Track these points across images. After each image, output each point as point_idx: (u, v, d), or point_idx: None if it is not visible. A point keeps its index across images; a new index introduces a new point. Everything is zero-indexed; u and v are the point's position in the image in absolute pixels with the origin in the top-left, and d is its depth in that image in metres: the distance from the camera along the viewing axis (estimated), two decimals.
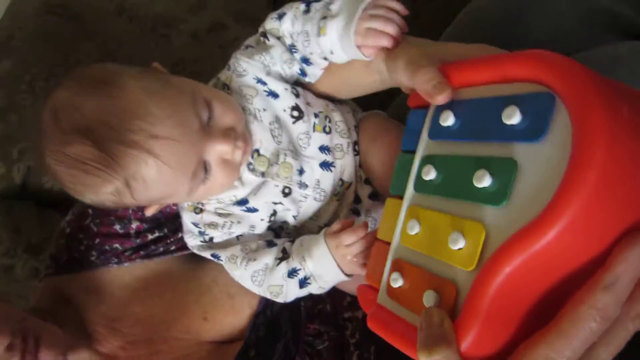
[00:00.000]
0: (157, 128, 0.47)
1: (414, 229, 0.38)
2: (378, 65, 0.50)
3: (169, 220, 0.65)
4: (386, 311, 0.39)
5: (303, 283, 0.56)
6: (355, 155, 0.61)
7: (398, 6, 0.49)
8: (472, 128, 0.36)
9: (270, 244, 0.59)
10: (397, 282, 0.38)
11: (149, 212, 0.58)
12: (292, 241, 0.59)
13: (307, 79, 0.60)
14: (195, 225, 0.60)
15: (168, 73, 0.55)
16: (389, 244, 0.42)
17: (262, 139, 0.57)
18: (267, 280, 0.57)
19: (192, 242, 0.61)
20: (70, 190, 0.51)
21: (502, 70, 0.34)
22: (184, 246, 0.64)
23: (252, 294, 0.61)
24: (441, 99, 0.39)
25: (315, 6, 0.54)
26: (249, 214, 0.59)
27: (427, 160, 0.40)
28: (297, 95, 0.59)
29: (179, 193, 0.53)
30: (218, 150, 0.52)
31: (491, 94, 0.35)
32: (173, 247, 0.66)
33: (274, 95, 0.58)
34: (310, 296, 0.59)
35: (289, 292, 0.57)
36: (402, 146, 0.44)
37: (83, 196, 0.51)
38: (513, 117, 0.32)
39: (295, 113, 0.58)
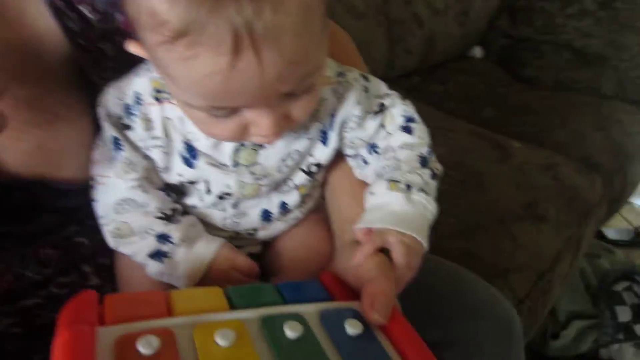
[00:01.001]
0: (276, 50, 0.34)
1: (223, 341, 0.32)
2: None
3: (127, 60, 0.45)
4: (91, 345, 0.30)
5: (156, 255, 0.47)
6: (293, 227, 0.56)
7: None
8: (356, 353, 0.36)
9: (165, 191, 0.50)
10: (147, 349, 0.30)
11: (131, 49, 0.40)
12: (186, 213, 0.51)
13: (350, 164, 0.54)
14: (137, 99, 0.45)
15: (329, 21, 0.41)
16: (170, 311, 0.35)
17: (277, 147, 0.48)
18: (129, 217, 0.46)
19: (111, 103, 0.46)
20: None
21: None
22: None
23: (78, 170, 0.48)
24: (381, 320, 0.38)
25: (422, 172, 0.48)
26: (180, 160, 0.47)
27: (296, 318, 0.37)
28: (333, 160, 0.53)
29: (185, 97, 0.39)
30: (258, 122, 0.40)
31: None
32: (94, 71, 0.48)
33: (325, 140, 0.50)
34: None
35: (135, 247, 0.47)
36: (279, 286, 0.41)
37: None
38: None
39: (314, 169, 0.51)
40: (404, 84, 1.66)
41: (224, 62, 0.33)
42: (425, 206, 0.47)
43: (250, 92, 0.36)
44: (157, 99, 0.45)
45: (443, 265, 0.73)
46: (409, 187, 0.47)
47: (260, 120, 0.40)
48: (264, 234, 0.55)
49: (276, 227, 0.55)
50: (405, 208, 0.46)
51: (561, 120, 1.44)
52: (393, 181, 0.47)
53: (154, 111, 0.45)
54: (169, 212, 0.48)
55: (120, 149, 0.46)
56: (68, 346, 0.29)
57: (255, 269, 0.50)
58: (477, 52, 1.90)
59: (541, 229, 1.06)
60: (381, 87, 0.52)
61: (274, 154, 0.48)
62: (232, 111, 0.39)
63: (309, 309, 0.38)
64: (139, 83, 0.46)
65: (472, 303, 0.67)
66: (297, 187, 0.52)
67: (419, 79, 1.68)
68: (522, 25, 1.80)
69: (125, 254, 0.48)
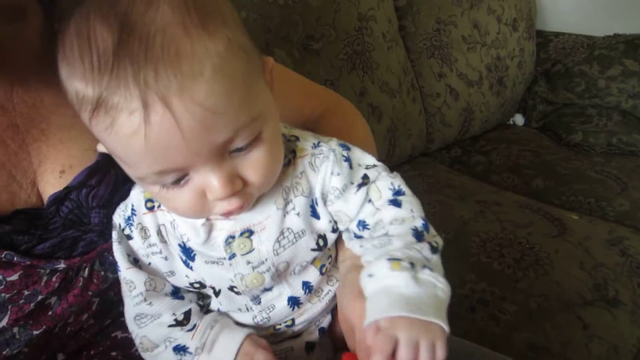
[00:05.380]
0: (186, 98, 0.34)
1: None
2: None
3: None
4: None
5: (180, 351, 0.47)
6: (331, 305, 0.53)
7: None
8: None
9: (175, 294, 0.49)
10: None
11: (99, 148, 0.42)
12: (202, 306, 0.50)
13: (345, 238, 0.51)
14: (133, 210, 0.48)
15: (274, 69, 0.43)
16: None
17: (267, 229, 0.46)
18: (147, 329, 0.48)
19: (117, 216, 0.49)
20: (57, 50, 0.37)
21: None
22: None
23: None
24: None
25: (420, 247, 0.43)
26: (182, 264, 0.47)
27: None
28: (334, 231, 0.49)
29: (133, 170, 0.39)
30: (208, 184, 0.39)
31: None
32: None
33: (315, 215, 0.48)
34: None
35: (162, 358, 0.48)
36: None
37: (59, 64, 0.37)
38: None
39: (321, 242, 0.48)
40: (445, 156, 1.61)
41: (137, 118, 0.34)
42: (435, 284, 0.41)
43: (179, 147, 0.35)
44: (149, 208, 0.47)
45: None
46: (412, 264, 0.41)
47: (209, 181, 0.39)
48: (303, 321, 0.51)
49: (313, 309, 0.51)
50: (414, 290, 0.40)
51: (620, 188, 1.34)
52: (395, 260, 0.41)
53: (147, 219, 0.47)
54: (180, 317, 0.48)
55: (118, 269, 0.49)
56: None
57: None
58: (518, 119, 1.85)
59: (616, 315, 0.94)
60: (366, 157, 0.49)
61: (267, 236, 0.46)
62: (179, 177, 0.39)
63: None
64: (134, 195, 0.49)
65: None
66: (311, 262, 0.49)
67: (461, 151, 1.63)
68: (562, 90, 1.74)
69: None
